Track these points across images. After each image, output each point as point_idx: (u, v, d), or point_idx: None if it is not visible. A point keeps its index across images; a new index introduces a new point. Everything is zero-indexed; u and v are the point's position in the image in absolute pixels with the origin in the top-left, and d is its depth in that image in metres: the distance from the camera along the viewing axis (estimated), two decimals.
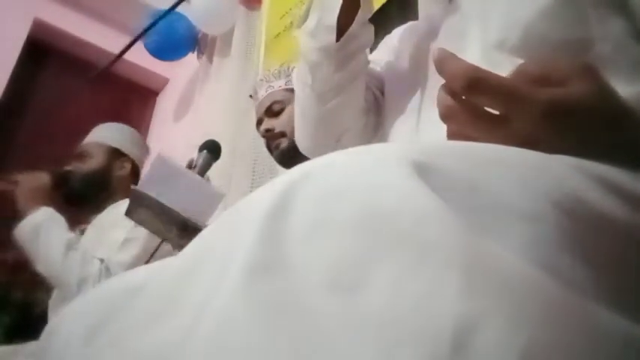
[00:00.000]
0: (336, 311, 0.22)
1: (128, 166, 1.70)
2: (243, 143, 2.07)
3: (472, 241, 0.23)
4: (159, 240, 1.22)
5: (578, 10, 0.53)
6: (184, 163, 1.39)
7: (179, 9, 2.57)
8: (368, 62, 0.74)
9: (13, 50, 2.74)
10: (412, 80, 0.67)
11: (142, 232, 1.36)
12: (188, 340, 0.24)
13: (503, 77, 0.38)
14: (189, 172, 1.22)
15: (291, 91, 1.40)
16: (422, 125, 0.62)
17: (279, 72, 1.46)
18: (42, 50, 2.98)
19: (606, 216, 0.29)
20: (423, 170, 0.26)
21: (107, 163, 1.66)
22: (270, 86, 1.44)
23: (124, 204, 1.29)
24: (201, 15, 2.53)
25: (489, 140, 0.38)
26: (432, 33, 0.67)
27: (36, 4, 2.88)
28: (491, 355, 0.19)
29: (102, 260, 1.40)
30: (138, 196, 1.13)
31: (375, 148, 0.29)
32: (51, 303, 1.53)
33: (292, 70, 1.46)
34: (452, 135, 0.41)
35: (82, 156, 1.67)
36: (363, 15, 0.68)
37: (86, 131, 1.79)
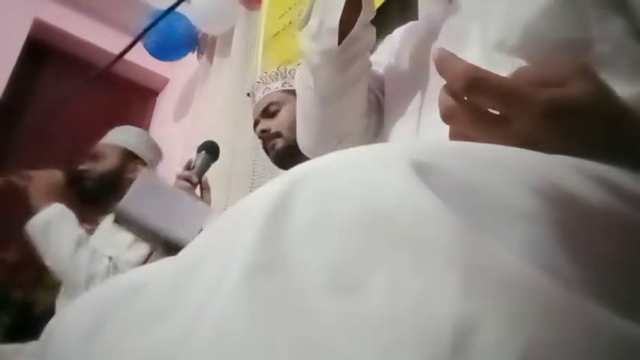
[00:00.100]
0: (336, 311, 0.22)
1: (140, 169, 1.73)
2: (243, 143, 2.06)
3: (472, 241, 0.23)
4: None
5: (577, 10, 0.53)
6: (183, 164, 1.40)
7: (179, 9, 2.57)
8: (370, 64, 0.74)
9: (13, 50, 2.74)
10: (413, 81, 0.67)
11: None
12: (188, 340, 0.24)
13: (503, 77, 0.38)
14: (174, 189, 1.21)
15: (288, 92, 1.41)
16: (422, 127, 0.62)
17: (277, 74, 1.47)
18: (42, 50, 2.98)
19: (606, 216, 0.29)
20: (423, 170, 0.26)
21: (121, 164, 1.70)
22: (267, 88, 1.45)
23: None
24: (201, 15, 2.53)
25: (489, 140, 0.38)
26: (433, 34, 0.67)
27: (36, 4, 2.88)
28: (491, 355, 0.19)
29: (110, 258, 1.42)
30: (121, 215, 1.11)
31: (375, 147, 0.29)
32: (58, 301, 1.55)
33: (289, 71, 1.47)
34: (453, 135, 0.42)
35: (96, 156, 1.70)
36: (365, 17, 0.67)
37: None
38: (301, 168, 0.28)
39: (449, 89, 0.40)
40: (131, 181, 1.64)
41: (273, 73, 1.48)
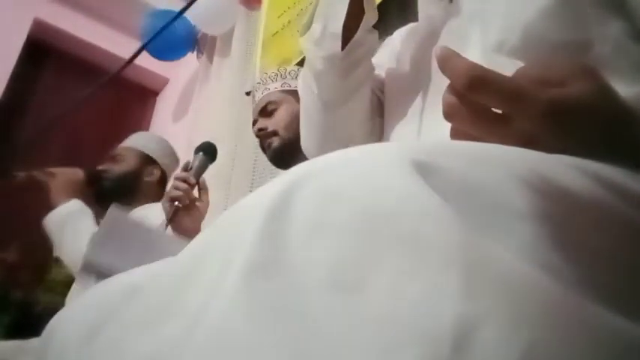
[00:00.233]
0: (336, 312, 0.22)
1: (157, 173, 1.78)
2: (243, 143, 2.07)
3: (472, 241, 0.23)
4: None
5: (577, 12, 0.53)
6: (182, 164, 1.39)
7: (179, 9, 2.57)
8: (373, 69, 0.73)
9: (13, 50, 2.74)
10: (414, 83, 0.67)
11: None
12: (188, 341, 0.24)
13: (505, 76, 0.38)
14: (145, 225, 1.17)
15: (287, 92, 1.42)
16: (424, 129, 0.62)
17: (277, 75, 1.48)
18: (42, 50, 2.98)
19: (606, 216, 0.29)
20: (424, 169, 0.26)
21: (138, 167, 1.75)
22: (266, 88, 1.46)
23: (149, 207, 1.40)
24: (201, 15, 2.53)
25: (491, 139, 0.38)
26: (433, 35, 0.66)
27: (36, 4, 2.88)
28: (491, 356, 0.19)
29: None
30: (89, 267, 1.02)
31: (376, 147, 0.29)
32: (68, 298, 1.55)
33: (289, 72, 1.48)
34: (454, 133, 0.42)
35: (115, 158, 1.76)
36: (367, 21, 0.67)
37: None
38: (302, 167, 0.28)
39: (451, 87, 0.40)
40: (148, 184, 1.72)
41: (273, 74, 1.49)
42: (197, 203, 1.32)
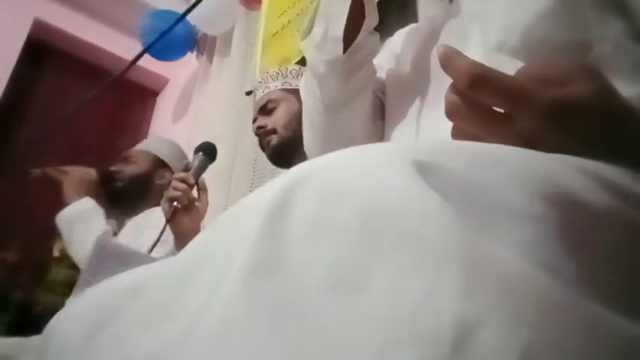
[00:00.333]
0: (337, 312, 0.22)
1: (168, 176, 1.78)
2: (243, 143, 2.06)
3: (472, 240, 0.23)
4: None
5: (577, 12, 0.53)
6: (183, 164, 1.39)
7: (179, 9, 2.57)
8: (375, 71, 0.73)
9: (13, 50, 2.73)
10: (413, 84, 0.67)
11: (172, 236, 1.38)
12: (188, 341, 0.24)
13: (507, 75, 0.38)
14: (134, 251, 1.17)
15: (287, 91, 1.42)
16: (422, 130, 0.62)
17: (278, 74, 1.49)
18: (42, 50, 2.98)
19: (606, 216, 0.29)
20: (425, 169, 0.26)
21: (150, 170, 1.78)
22: (267, 87, 1.47)
23: (158, 209, 1.39)
24: (201, 15, 2.53)
25: (492, 138, 0.38)
26: (433, 36, 0.66)
27: (36, 4, 2.87)
28: (491, 355, 0.19)
29: None
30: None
31: (376, 147, 0.29)
32: (68, 301, 1.56)
33: (290, 71, 1.48)
34: (455, 132, 0.42)
35: (128, 160, 1.79)
36: (368, 24, 0.67)
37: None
38: (302, 167, 0.28)
39: (453, 86, 0.40)
40: (158, 186, 1.73)
41: (274, 73, 1.50)
42: (196, 203, 1.30)
